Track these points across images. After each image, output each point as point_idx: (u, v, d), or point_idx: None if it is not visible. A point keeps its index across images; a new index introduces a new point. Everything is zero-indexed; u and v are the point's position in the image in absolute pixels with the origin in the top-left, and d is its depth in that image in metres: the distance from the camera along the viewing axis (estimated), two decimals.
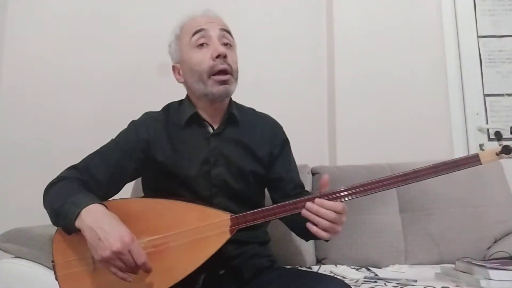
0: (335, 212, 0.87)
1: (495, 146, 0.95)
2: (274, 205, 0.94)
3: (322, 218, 0.87)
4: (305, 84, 2.07)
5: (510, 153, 0.93)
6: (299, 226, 1.03)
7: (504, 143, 0.94)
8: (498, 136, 0.96)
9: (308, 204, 0.88)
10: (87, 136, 1.77)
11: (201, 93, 1.07)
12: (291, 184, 1.17)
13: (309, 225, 0.88)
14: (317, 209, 0.87)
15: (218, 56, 1.04)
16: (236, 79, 1.10)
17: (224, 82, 1.05)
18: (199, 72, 1.05)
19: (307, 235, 1.04)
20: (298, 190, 1.17)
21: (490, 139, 1.96)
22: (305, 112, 2.04)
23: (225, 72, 1.04)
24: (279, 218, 1.17)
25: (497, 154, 0.93)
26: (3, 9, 1.96)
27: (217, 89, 1.04)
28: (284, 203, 0.93)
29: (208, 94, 1.06)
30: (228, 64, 1.05)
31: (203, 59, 1.05)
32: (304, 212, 0.88)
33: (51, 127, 1.90)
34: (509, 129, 1.01)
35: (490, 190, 1.60)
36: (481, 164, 0.93)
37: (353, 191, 0.91)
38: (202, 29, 1.08)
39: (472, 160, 0.93)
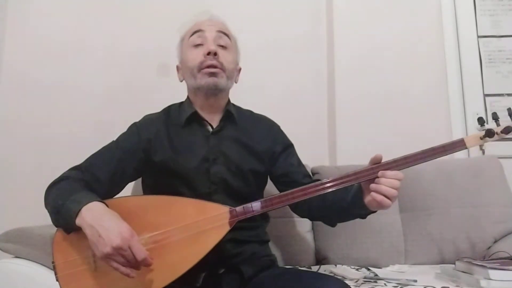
0: (398, 180, 0.91)
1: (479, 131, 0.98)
2: (271, 196, 0.95)
3: (388, 186, 0.90)
4: (305, 85, 2.07)
5: (493, 136, 0.95)
6: (328, 210, 1.09)
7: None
8: (481, 121, 1.00)
9: (380, 173, 0.92)
10: (88, 137, 1.77)
11: (194, 87, 1.14)
12: (300, 174, 1.18)
13: (373, 194, 0.91)
14: (387, 180, 0.90)
15: (208, 54, 1.09)
16: (229, 77, 1.14)
17: (212, 75, 1.09)
18: (191, 68, 1.12)
19: (336, 218, 1.11)
20: (308, 180, 1.18)
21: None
22: (305, 112, 2.04)
23: (213, 66, 1.09)
24: (295, 210, 1.20)
25: (481, 138, 0.96)
26: (3, 15, 1.96)
27: (205, 80, 1.10)
28: (280, 194, 0.95)
29: (199, 87, 1.11)
30: (218, 61, 1.10)
31: (196, 56, 1.11)
32: (372, 185, 0.92)
33: (51, 128, 1.90)
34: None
35: (490, 190, 1.60)
36: (466, 148, 0.97)
37: (341, 180, 0.94)
38: (200, 30, 1.14)
39: (458, 145, 0.97)
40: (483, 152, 1.72)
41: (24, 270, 1.11)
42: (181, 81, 1.20)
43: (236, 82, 1.20)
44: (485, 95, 2.03)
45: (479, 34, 2.08)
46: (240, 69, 1.23)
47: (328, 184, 0.94)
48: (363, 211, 1.00)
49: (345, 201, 1.02)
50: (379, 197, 0.90)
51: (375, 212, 0.99)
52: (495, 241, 1.52)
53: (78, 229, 0.89)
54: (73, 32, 1.97)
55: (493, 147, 1.11)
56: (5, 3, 1.97)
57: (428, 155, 0.96)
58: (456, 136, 1.97)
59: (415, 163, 0.95)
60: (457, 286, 1.14)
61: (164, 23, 1.91)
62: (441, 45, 2.04)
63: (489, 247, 1.50)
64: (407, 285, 1.17)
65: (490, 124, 0.98)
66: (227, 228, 0.93)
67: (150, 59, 1.95)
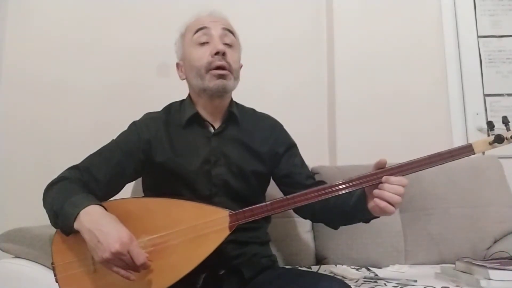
0: (402, 186, 0.88)
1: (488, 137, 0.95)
2: (272, 200, 0.94)
3: (392, 193, 0.88)
4: (305, 85, 2.07)
5: (502, 142, 0.91)
6: (331, 213, 1.08)
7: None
8: (490, 126, 0.95)
9: (384, 178, 0.89)
10: (88, 136, 1.77)
11: (199, 88, 1.09)
12: (303, 175, 1.17)
13: (377, 200, 0.89)
14: (390, 186, 0.88)
15: (216, 53, 1.05)
16: (236, 78, 1.11)
17: (221, 77, 1.06)
18: (197, 68, 1.08)
19: (339, 222, 1.11)
20: (310, 181, 1.16)
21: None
22: (305, 112, 2.04)
23: (222, 68, 1.06)
24: (297, 212, 1.20)
25: (490, 144, 0.92)
26: (3, 13, 1.96)
27: (214, 83, 1.06)
28: (281, 198, 0.94)
29: (206, 89, 1.07)
30: (227, 62, 1.07)
31: (203, 55, 1.07)
32: (375, 191, 0.90)
33: (51, 127, 1.90)
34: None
35: (490, 190, 1.60)
36: (474, 153, 0.93)
37: (344, 185, 0.92)
38: (205, 27, 1.10)
39: (465, 150, 0.93)
40: (483, 152, 1.72)
41: (24, 270, 1.11)
42: (182, 79, 1.17)
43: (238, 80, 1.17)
44: (485, 95, 2.03)
45: (479, 34, 2.08)
46: (241, 66, 1.19)
47: (331, 189, 0.92)
48: (366, 216, 0.99)
49: (348, 205, 1.01)
50: (383, 204, 0.88)
51: (378, 217, 0.98)
52: (495, 241, 1.52)
53: (77, 232, 0.88)
54: (73, 31, 1.97)
55: None
56: (6, 2, 1.97)
57: (434, 160, 0.92)
58: (456, 136, 1.97)
59: (421, 168, 0.92)
60: (457, 286, 1.14)
61: (164, 22, 1.91)
62: (441, 45, 2.05)
63: (489, 247, 1.50)
64: (407, 285, 1.17)
65: (497, 130, 0.94)
66: (227, 232, 0.92)
67: (150, 58, 1.95)
